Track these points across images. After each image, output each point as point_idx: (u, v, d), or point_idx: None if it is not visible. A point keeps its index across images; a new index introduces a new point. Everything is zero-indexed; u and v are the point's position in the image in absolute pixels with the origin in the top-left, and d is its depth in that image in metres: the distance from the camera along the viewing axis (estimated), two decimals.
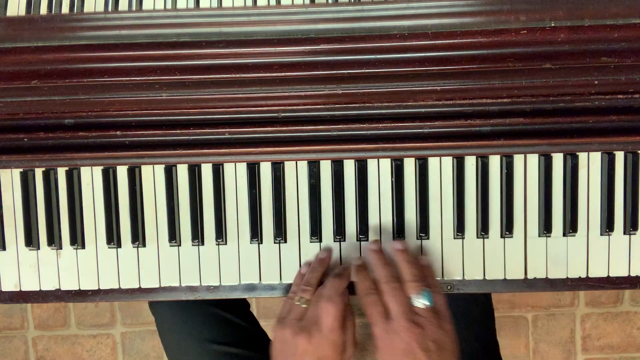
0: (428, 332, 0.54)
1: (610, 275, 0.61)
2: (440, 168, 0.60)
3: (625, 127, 0.58)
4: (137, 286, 0.62)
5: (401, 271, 0.58)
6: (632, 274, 0.60)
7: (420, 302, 0.55)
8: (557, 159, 0.60)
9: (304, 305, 0.58)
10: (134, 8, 0.61)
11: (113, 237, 0.62)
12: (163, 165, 0.61)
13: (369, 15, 0.55)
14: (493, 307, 0.77)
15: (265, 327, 0.80)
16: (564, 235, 0.60)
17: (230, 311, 0.75)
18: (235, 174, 0.61)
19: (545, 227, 0.60)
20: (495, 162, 0.60)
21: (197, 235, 0.61)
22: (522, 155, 0.59)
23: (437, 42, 0.54)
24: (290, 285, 0.62)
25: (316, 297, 0.58)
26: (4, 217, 0.62)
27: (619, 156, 0.59)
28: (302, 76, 0.56)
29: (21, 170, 0.62)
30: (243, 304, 0.80)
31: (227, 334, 0.73)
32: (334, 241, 0.61)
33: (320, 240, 0.61)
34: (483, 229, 0.60)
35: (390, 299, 0.55)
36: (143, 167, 0.61)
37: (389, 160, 0.60)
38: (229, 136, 0.59)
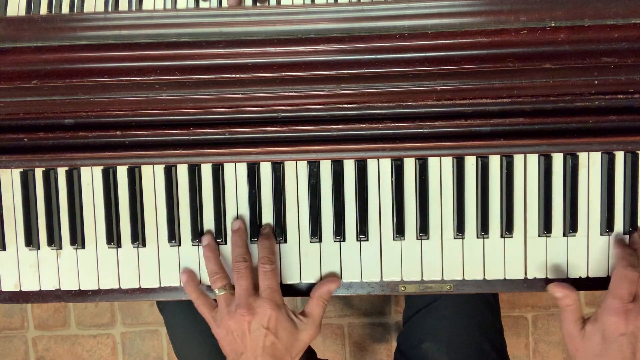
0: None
1: (610, 275, 0.60)
2: (440, 168, 0.60)
3: (625, 127, 0.58)
4: (137, 286, 0.62)
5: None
6: None
7: None
8: (557, 159, 0.60)
9: (223, 293, 0.58)
10: (134, 8, 0.61)
11: (113, 237, 0.62)
12: (163, 165, 0.61)
13: (369, 15, 0.55)
14: (500, 307, 0.77)
15: None
16: (564, 235, 0.60)
17: None
18: (235, 174, 0.61)
19: (545, 227, 0.60)
20: (495, 162, 0.60)
21: (197, 235, 0.61)
22: (522, 155, 0.59)
23: (437, 42, 0.54)
24: (289, 285, 0.62)
25: (236, 273, 0.57)
26: (4, 217, 0.62)
27: (619, 156, 0.59)
28: (302, 76, 0.56)
29: (21, 170, 0.62)
30: None
31: None
32: (334, 241, 0.61)
33: (320, 240, 0.61)
34: (483, 229, 0.60)
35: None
36: (143, 167, 0.61)
37: (389, 160, 0.60)
38: (229, 136, 0.59)
